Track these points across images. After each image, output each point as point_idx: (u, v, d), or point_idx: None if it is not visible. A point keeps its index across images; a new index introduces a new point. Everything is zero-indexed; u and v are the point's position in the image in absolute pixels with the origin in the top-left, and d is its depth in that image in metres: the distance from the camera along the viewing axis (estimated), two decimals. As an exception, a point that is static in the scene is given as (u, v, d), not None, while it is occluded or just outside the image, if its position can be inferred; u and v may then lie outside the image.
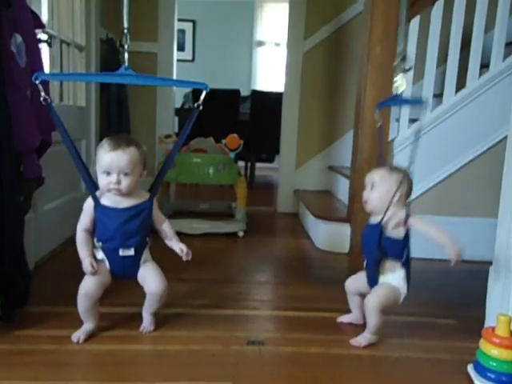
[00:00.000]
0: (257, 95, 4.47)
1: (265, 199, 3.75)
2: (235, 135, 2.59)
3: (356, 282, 1.40)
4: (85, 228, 1.27)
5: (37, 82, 1.19)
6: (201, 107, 1.30)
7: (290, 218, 3.18)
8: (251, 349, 1.29)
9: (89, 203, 1.27)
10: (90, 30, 2.50)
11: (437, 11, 2.19)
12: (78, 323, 1.35)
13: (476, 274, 1.74)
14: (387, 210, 1.26)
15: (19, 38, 1.43)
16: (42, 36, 1.84)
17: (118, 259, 1.27)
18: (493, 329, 1.15)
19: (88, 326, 1.30)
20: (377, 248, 1.26)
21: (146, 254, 1.32)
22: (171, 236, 1.35)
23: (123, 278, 1.31)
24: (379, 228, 1.26)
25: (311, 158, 3.29)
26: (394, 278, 1.28)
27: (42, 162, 1.59)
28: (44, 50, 1.86)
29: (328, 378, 1.18)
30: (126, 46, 1.20)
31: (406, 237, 1.27)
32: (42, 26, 1.69)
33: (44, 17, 1.91)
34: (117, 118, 2.79)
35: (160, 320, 1.42)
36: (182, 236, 1.39)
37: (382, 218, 1.27)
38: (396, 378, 1.20)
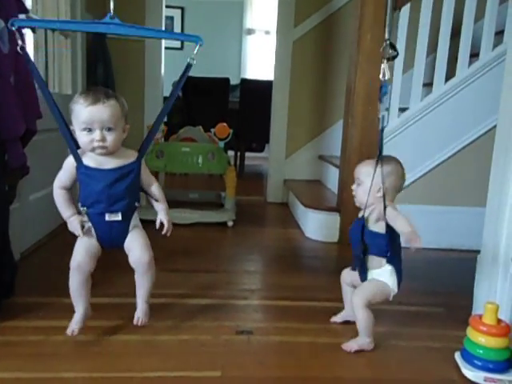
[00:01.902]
0: (246, 84, 4.43)
1: (254, 189, 3.74)
2: (224, 124, 2.57)
3: (352, 275, 1.33)
4: (62, 185, 1.16)
5: (13, 28, 1.10)
6: (194, 62, 1.22)
7: (280, 207, 3.17)
8: (240, 338, 1.29)
9: (70, 161, 1.15)
10: (76, 15, 2.44)
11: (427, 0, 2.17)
12: (65, 313, 1.32)
13: (464, 262, 1.76)
14: (366, 203, 1.24)
15: (2, 24, 1.39)
16: (26, 21, 1.79)
17: (104, 225, 1.16)
18: (480, 317, 1.15)
19: (80, 313, 1.21)
20: (360, 243, 1.25)
21: (135, 220, 1.22)
22: (160, 200, 1.24)
23: (111, 247, 1.21)
24: (362, 223, 1.25)
25: (301, 147, 3.28)
26: (381, 273, 1.25)
27: (26, 151, 1.55)
28: (28, 35, 1.81)
29: (317, 367, 1.18)
30: None
31: (390, 231, 1.21)
32: (25, 10, 1.64)
33: (28, 1, 1.86)
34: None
35: (151, 309, 1.41)
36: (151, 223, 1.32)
37: (364, 212, 1.26)
38: (385, 366, 1.21)
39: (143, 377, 1.09)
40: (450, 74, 2.23)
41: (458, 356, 1.20)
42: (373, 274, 1.26)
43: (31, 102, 1.58)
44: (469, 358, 1.15)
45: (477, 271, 1.44)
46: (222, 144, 2.56)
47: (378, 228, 1.23)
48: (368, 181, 1.24)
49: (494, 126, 1.73)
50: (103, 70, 2.74)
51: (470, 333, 1.16)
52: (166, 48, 3.39)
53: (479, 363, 1.12)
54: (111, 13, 1.14)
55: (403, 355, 1.26)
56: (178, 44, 6.24)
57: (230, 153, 4.04)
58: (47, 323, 1.31)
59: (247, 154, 4.70)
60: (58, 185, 1.18)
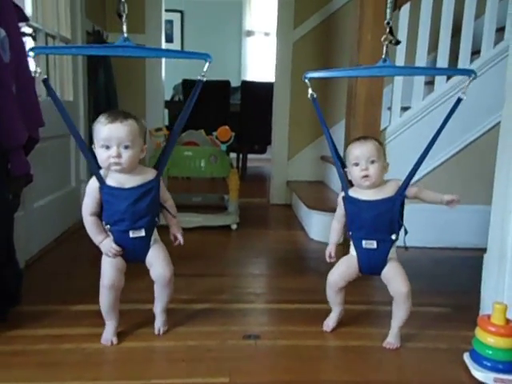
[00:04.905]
0: (247, 86, 4.43)
1: (257, 191, 3.74)
2: (226, 127, 2.57)
3: (346, 274, 1.31)
4: (92, 212, 1.20)
5: (32, 55, 1.15)
6: (204, 78, 1.27)
7: (283, 209, 3.17)
8: (247, 343, 1.29)
9: (92, 185, 1.19)
10: (76, 22, 2.45)
11: (427, -2, 2.17)
12: (71, 321, 1.33)
13: (470, 261, 1.75)
14: (408, 178, 1.25)
15: (2, 33, 1.39)
16: (26, 29, 1.80)
17: (128, 241, 1.21)
18: (488, 317, 1.15)
19: (114, 325, 1.26)
20: (397, 222, 1.24)
21: (155, 235, 1.27)
22: (175, 215, 1.30)
23: (133, 261, 1.25)
24: (400, 200, 1.24)
25: (303, 148, 3.28)
26: (394, 251, 1.27)
27: (29, 159, 1.56)
28: (28, 43, 1.82)
29: (326, 370, 1.18)
30: (124, 16, 1.20)
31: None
32: (25, 19, 1.65)
33: (28, 9, 1.87)
34: (105, 111, 2.74)
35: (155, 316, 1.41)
36: (166, 229, 1.34)
37: (404, 188, 1.24)
38: (393, 367, 1.20)
39: (151, 384, 1.09)
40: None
41: (466, 357, 1.19)
42: (391, 254, 1.27)
43: (33, 110, 1.58)
44: (478, 359, 1.14)
45: (483, 270, 1.43)
46: (224, 147, 2.56)
47: None
48: (380, 158, 1.24)
49: (497, 123, 1.73)
50: (104, 76, 2.74)
51: (479, 333, 1.15)
52: (166, 52, 3.40)
53: (488, 364, 1.11)
54: (125, 35, 1.19)
55: (411, 356, 1.25)
56: (178, 47, 6.26)
57: (232, 155, 4.03)
58: (54, 331, 1.31)
59: (249, 156, 4.70)
60: (87, 212, 1.21)
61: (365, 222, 1.25)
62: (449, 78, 2.19)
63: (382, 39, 1.27)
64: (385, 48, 1.26)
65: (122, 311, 1.39)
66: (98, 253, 1.27)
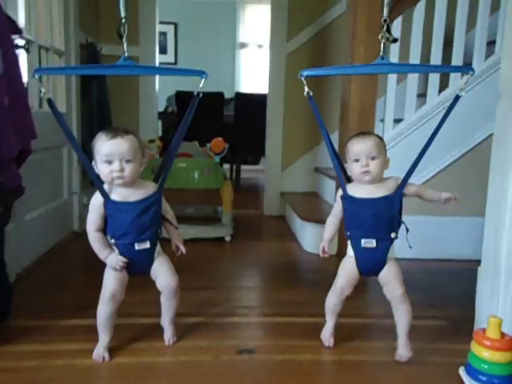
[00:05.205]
0: (241, 97, 4.45)
1: (251, 202, 3.73)
2: (220, 139, 2.57)
3: (350, 278, 1.27)
4: (97, 228, 1.22)
5: (36, 77, 1.19)
6: (201, 95, 1.29)
7: (277, 220, 3.16)
8: (241, 358, 1.27)
9: (96, 200, 1.21)
10: (69, 34, 2.45)
11: (419, 11, 2.19)
12: (62, 336, 1.31)
13: (464, 272, 1.75)
14: (407, 176, 1.25)
15: (-5, 45, 1.39)
16: (19, 42, 1.79)
17: (133, 254, 1.23)
18: (483, 330, 1.14)
19: (107, 339, 1.25)
20: (397, 221, 1.23)
21: (158, 247, 1.29)
22: (175, 225, 1.34)
23: (138, 274, 1.26)
24: (400, 197, 1.24)
25: (297, 159, 3.28)
26: (392, 250, 1.25)
27: (21, 171, 1.54)
28: (22, 56, 1.81)
29: (320, 386, 1.17)
30: (124, 36, 1.25)
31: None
32: (18, 31, 1.65)
33: (21, 22, 1.86)
34: (99, 122, 2.74)
35: (148, 330, 1.39)
36: (167, 242, 1.35)
37: (403, 186, 1.24)
38: (388, 382, 1.19)
39: (143, 401, 1.07)
40: (443, 85, 2.24)
41: (462, 371, 1.18)
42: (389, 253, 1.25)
43: (25, 122, 1.57)
44: (473, 373, 1.13)
45: (478, 283, 1.43)
46: (217, 158, 2.56)
47: None
48: (381, 154, 1.24)
49: (489, 136, 1.74)
50: (97, 87, 2.73)
51: (474, 347, 1.14)
52: (160, 63, 3.41)
53: (484, 378, 1.10)
54: (126, 54, 1.25)
55: (406, 371, 1.24)
56: (172, 59, 6.29)
57: (226, 166, 4.03)
58: (45, 347, 1.28)
59: (243, 167, 4.70)
60: (92, 229, 1.22)
61: (364, 220, 1.23)
62: (441, 91, 2.21)
63: (380, 37, 1.25)
64: (382, 45, 1.26)
65: (114, 326, 1.37)
66: (94, 266, 1.26)
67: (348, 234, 1.27)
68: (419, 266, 2.10)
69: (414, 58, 2.20)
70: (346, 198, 1.27)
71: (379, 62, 1.26)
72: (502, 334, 1.12)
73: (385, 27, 1.25)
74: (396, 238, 1.24)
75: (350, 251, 1.28)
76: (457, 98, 1.27)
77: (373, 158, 1.23)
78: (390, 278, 1.25)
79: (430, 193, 1.30)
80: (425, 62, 2.33)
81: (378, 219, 1.23)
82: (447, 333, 1.46)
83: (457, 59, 2.20)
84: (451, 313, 1.60)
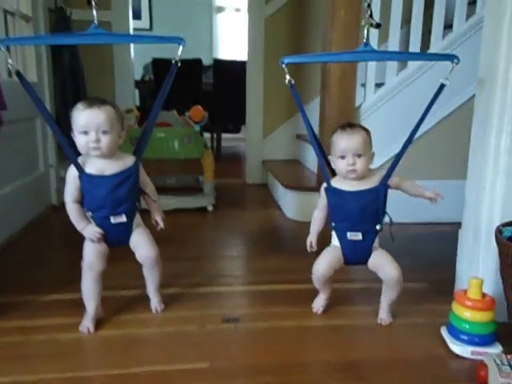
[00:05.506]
0: (219, 64, 4.35)
1: (233, 171, 3.70)
2: (199, 107, 2.51)
3: (331, 265, 1.27)
4: (74, 199, 1.21)
5: (2, 49, 1.14)
6: (179, 63, 1.25)
7: (260, 189, 3.15)
8: (226, 327, 1.27)
9: (72, 173, 1.20)
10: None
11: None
12: (43, 312, 1.29)
13: (446, 235, 1.77)
14: (391, 168, 1.24)
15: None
16: (-18, 6, 1.69)
17: (110, 227, 1.22)
18: (465, 291, 1.16)
19: (92, 310, 1.24)
20: (382, 213, 1.23)
21: (138, 219, 1.28)
22: (155, 199, 1.32)
23: (116, 245, 1.26)
24: (384, 190, 1.23)
25: (278, 127, 3.24)
26: (377, 240, 1.27)
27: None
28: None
29: (305, 351, 1.18)
30: (93, 2, 1.18)
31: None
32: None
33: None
34: (72, 92, 2.64)
35: (131, 302, 1.38)
36: (148, 214, 1.33)
37: (387, 178, 1.24)
38: (371, 345, 1.21)
39: (130, 373, 1.06)
40: (425, 46, 2.21)
41: (444, 331, 1.20)
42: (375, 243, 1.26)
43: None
44: (455, 333, 1.15)
45: (459, 246, 1.44)
46: (197, 127, 2.50)
47: None
48: (368, 149, 1.23)
49: (471, 97, 1.73)
50: (69, 56, 2.62)
51: (456, 308, 1.16)
52: (135, 29, 3.28)
53: (465, 338, 1.13)
54: (95, 23, 1.19)
55: (389, 333, 1.26)
56: (146, 25, 6.08)
57: (206, 135, 3.97)
58: (25, 323, 1.26)
59: (223, 136, 4.64)
60: (69, 199, 1.22)
61: (350, 213, 1.23)
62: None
63: (363, 23, 1.23)
64: (366, 32, 1.23)
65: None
66: (74, 239, 1.24)
67: (333, 225, 1.27)
68: (402, 229, 2.10)
69: (395, 18, 2.15)
70: (331, 190, 1.26)
71: (363, 49, 1.23)
72: (483, 295, 1.14)
73: (369, 12, 1.22)
74: (381, 229, 1.25)
75: (335, 241, 1.28)
76: (442, 86, 1.26)
77: (359, 156, 1.21)
78: (380, 263, 1.26)
79: (413, 188, 1.29)
80: (406, 23, 2.29)
81: (365, 212, 1.23)
82: (429, 294, 1.48)
83: (438, 20, 2.17)
84: (433, 275, 1.63)
